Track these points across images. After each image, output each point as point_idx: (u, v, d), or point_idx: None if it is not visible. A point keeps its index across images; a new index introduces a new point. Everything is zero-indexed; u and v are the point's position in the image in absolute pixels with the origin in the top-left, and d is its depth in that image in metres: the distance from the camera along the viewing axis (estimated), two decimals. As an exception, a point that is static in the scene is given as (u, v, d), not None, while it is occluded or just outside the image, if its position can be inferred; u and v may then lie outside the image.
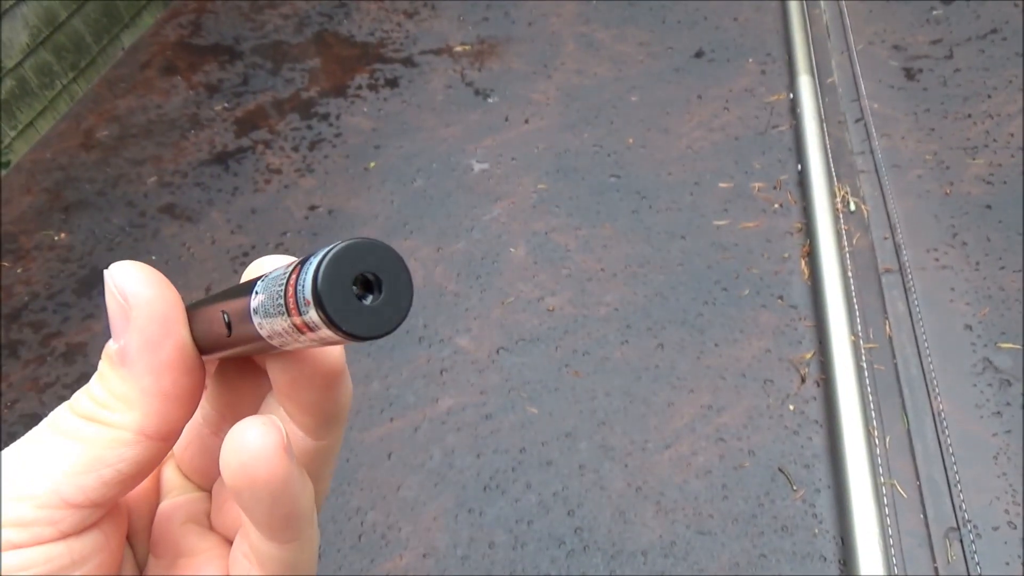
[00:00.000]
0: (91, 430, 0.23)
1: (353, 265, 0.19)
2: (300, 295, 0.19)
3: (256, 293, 0.22)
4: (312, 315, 0.19)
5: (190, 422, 0.27)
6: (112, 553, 0.25)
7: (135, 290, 0.24)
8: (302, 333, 0.20)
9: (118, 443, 0.23)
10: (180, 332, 0.24)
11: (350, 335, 0.19)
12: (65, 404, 0.24)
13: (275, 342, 0.22)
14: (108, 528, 0.25)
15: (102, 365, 0.24)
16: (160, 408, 0.24)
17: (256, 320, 0.22)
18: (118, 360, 0.24)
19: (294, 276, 0.20)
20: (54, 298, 2.04)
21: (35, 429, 0.24)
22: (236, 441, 0.22)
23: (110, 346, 0.24)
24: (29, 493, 0.22)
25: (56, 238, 2.23)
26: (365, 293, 0.19)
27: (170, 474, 0.30)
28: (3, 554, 0.22)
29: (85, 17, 3.37)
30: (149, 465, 0.24)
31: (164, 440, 0.24)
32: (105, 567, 0.24)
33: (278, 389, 0.25)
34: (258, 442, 0.22)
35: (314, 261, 0.19)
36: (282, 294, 0.20)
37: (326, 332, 0.19)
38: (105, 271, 0.25)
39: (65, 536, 0.23)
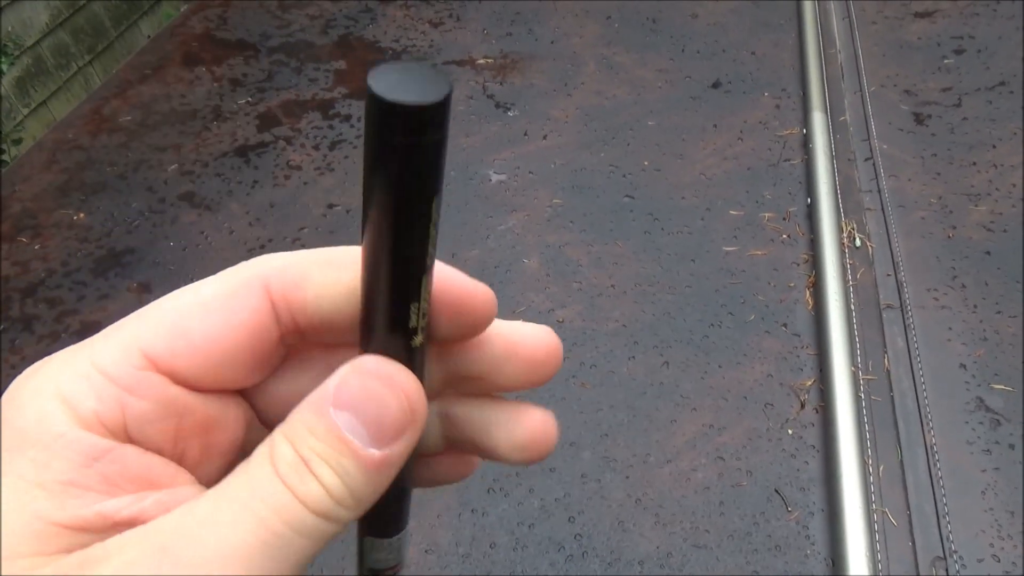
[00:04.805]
0: (324, 528, 0.23)
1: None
2: None
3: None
4: None
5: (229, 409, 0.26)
6: None
7: (420, 405, 0.23)
8: None
9: (328, 538, 0.23)
10: None
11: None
12: (295, 502, 0.22)
13: None
14: None
15: (349, 464, 0.22)
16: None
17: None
18: (383, 465, 0.23)
19: None
20: (70, 276, 2.07)
21: (263, 521, 0.21)
22: (544, 425, 0.27)
23: (370, 452, 0.22)
24: None
25: (75, 217, 2.26)
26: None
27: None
28: None
29: (106, 2, 3.41)
30: None
31: None
32: None
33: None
34: (553, 430, 0.27)
35: None
36: None
37: None
38: (379, 366, 0.23)
39: None
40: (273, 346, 0.25)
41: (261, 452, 0.23)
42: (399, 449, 0.23)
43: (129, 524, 0.22)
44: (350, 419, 0.22)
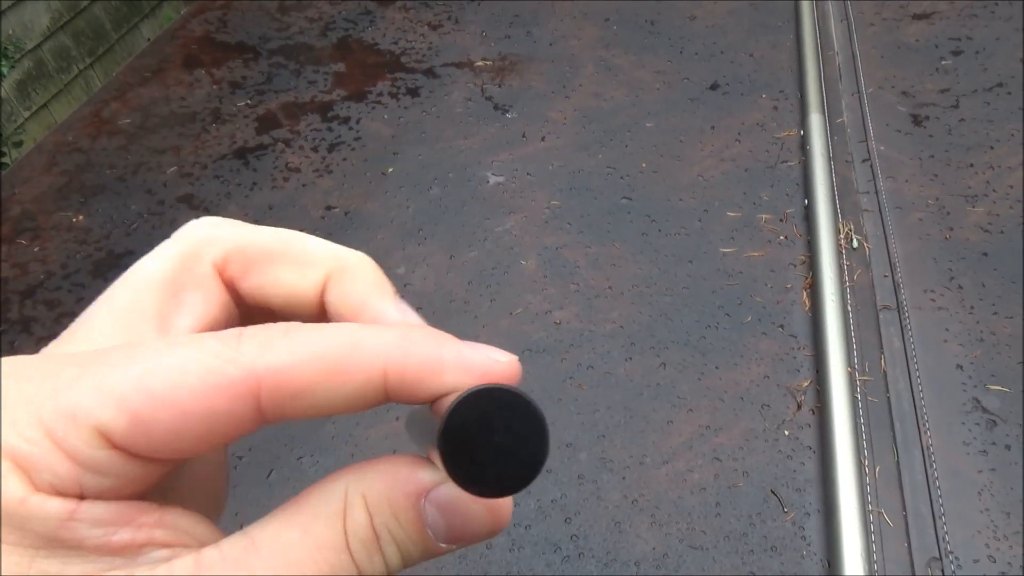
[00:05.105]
0: None
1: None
2: None
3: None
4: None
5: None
6: None
7: (504, 528, 0.24)
8: None
9: None
10: None
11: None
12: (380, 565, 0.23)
13: None
14: None
15: (415, 550, 0.23)
16: None
17: None
18: (442, 554, 0.23)
19: None
20: (69, 278, 2.08)
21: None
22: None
23: (440, 546, 0.23)
24: None
25: (74, 220, 2.27)
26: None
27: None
28: None
29: (106, 5, 3.42)
30: None
31: None
32: None
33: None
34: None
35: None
36: None
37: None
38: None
39: None
40: (248, 431, 0.24)
41: (333, 509, 0.22)
42: (462, 546, 0.24)
43: (147, 545, 0.22)
44: (438, 518, 0.23)
